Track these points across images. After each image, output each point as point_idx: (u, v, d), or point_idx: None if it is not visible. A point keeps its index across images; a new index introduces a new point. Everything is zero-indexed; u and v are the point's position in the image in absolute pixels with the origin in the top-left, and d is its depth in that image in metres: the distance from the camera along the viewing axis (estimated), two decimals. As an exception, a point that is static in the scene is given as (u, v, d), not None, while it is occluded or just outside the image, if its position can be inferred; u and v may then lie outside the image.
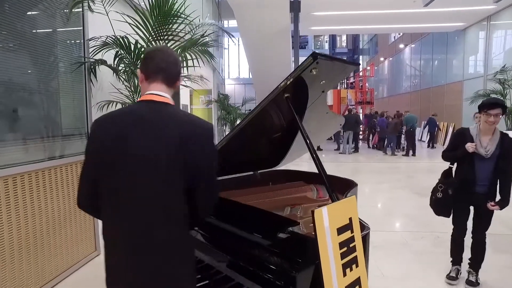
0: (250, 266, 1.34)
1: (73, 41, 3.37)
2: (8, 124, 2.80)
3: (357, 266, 1.33)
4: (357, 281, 1.31)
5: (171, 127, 1.13)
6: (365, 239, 1.52)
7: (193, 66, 3.72)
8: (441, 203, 2.85)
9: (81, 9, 3.12)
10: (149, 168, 1.09)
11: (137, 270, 1.09)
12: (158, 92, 1.18)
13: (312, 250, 1.20)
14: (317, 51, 1.55)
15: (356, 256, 1.33)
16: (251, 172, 2.87)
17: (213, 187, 1.22)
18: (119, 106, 3.69)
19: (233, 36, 4.43)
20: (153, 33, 3.25)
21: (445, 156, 2.88)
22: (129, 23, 3.19)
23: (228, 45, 27.10)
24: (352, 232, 1.34)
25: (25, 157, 2.79)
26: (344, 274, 1.26)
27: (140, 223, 1.09)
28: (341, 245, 1.27)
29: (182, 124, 1.15)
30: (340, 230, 1.28)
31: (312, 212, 1.19)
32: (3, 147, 2.68)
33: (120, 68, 3.53)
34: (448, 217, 2.92)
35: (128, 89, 3.48)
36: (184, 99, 7.65)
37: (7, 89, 2.75)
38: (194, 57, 3.61)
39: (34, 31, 2.92)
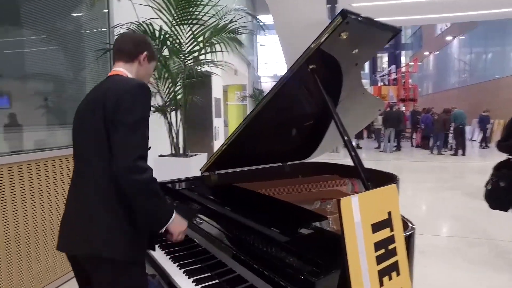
0: (261, 267, 1.09)
1: (99, 29, 3.33)
2: (39, 112, 2.84)
3: (398, 274, 1.03)
4: (398, 293, 1.02)
5: (104, 85, 1.29)
6: (409, 241, 1.21)
7: (221, 51, 3.55)
8: (492, 195, 2.72)
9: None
10: (85, 117, 1.28)
11: (72, 202, 1.28)
12: (115, 68, 1.36)
13: (340, 251, 0.93)
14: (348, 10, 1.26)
15: (397, 262, 1.03)
16: (279, 164, 2.63)
17: (125, 143, 1.16)
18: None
19: (263, 23, 4.19)
20: (176, 17, 3.09)
21: (499, 146, 2.73)
22: (152, 7, 3.06)
23: (266, 42, 26.92)
24: (392, 230, 1.04)
25: (52, 144, 2.78)
26: (381, 284, 0.97)
27: (81, 161, 1.30)
28: (377, 246, 0.98)
29: (111, 81, 1.29)
30: (376, 227, 0.99)
31: (338, 201, 0.91)
32: (31, 132, 2.69)
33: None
34: (506, 211, 2.69)
35: (153, 76, 3.37)
36: (217, 93, 7.53)
37: (39, 78, 2.79)
38: (220, 41, 3.42)
39: (61, 20, 2.90)
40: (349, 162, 1.40)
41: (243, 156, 2.16)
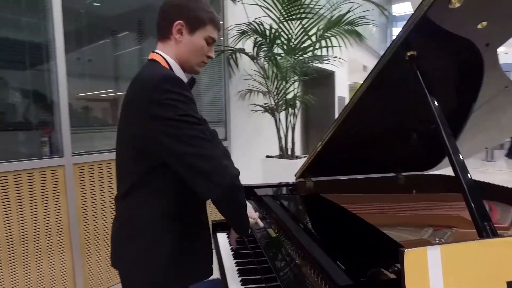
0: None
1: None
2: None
3: None
4: None
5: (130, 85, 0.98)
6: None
7: (339, 46, 3.26)
8: None
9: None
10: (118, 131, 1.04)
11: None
12: (154, 51, 1.05)
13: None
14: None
15: None
16: (392, 174, 2.21)
17: (181, 161, 0.89)
18: (260, 96, 3.63)
19: (385, 10, 3.67)
20: (283, 12, 2.97)
21: None
22: (260, 6, 3.02)
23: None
24: (511, 312, 0.64)
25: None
26: None
27: (118, 180, 1.07)
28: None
29: (136, 76, 0.97)
30: (476, 303, 0.62)
31: (401, 254, 0.59)
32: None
33: (259, 56, 3.43)
34: None
35: (261, 75, 3.34)
36: (341, 91, 7.12)
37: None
38: (335, 34, 3.14)
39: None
40: (488, 177, 0.97)
41: (344, 161, 1.87)
